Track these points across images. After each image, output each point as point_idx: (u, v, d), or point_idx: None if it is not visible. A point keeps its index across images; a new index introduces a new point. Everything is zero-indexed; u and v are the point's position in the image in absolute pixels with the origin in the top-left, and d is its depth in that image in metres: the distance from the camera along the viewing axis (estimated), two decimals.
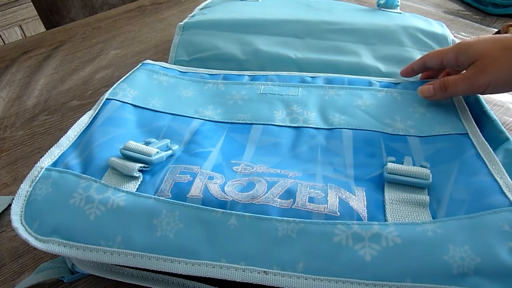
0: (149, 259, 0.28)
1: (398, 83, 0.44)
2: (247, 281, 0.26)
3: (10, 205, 0.41)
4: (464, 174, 0.32)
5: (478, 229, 0.26)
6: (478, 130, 0.37)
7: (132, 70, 0.45)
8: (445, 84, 0.39)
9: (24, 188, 0.32)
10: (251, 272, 0.26)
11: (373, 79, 0.45)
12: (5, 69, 0.63)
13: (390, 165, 0.32)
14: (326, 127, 0.39)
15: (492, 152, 0.33)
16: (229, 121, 0.40)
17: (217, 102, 0.42)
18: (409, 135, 0.38)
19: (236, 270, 0.27)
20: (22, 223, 0.30)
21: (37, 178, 0.32)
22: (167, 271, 0.27)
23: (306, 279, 0.26)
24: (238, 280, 0.26)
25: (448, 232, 0.26)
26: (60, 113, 0.53)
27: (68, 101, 0.55)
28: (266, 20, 0.54)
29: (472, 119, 0.38)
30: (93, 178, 0.31)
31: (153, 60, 0.47)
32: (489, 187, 0.30)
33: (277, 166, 0.35)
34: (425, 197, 0.30)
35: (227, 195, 0.30)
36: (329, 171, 0.34)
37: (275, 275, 0.26)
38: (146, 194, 0.30)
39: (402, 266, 0.25)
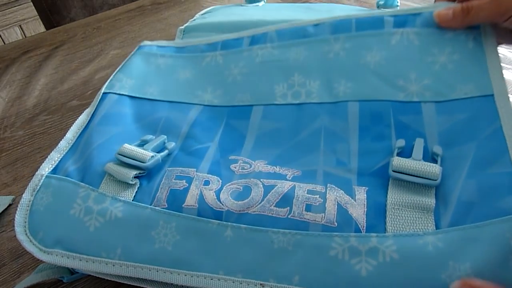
0: (149, 270, 0.28)
1: (418, 14, 0.36)
2: None
3: (10, 205, 0.41)
4: (480, 161, 0.29)
5: (482, 242, 0.25)
6: (507, 90, 0.31)
7: (129, 56, 0.44)
8: (468, 6, 0.32)
9: (26, 197, 0.32)
10: (248, 284, 0.27)
11: (386, 14, 0.37)
12: (5, 69, 0.63)
13: (396, 162, 0.29)
14: (330, 101, 0.35)
15: None
16: (229, 104, 0.38)
17: (215, 81, 0.40)
18: (424, 101, 0.33)
19: (233, 282, 0.27)
20: (26, 234, 0.31)
21: (38, 187, 0.33)
22: (167, 281, 0.28)
23: None
24: None
25: (449, 247, 0.25)
26: (60, 113, 0.53)
27: (68, 101, 0.55)
28: (265, 21, 0.54)
29: (503, 74, 0.32)
30: (90, 187, 0.32)
31: None
32: (504, 183, 0.27)
33: (277, 160, 0.34)
34: (431, 201, 0.28)
35: (223, 205, 0.29)
36: (331, 164, 0.33)
37: None
38: (142, 204, 0.30)
39: (398, 283, 0.25)
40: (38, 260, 0.35)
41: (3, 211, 0.40)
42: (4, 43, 1.41)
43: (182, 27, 0.56)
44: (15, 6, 1.50)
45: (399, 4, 0.59)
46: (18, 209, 0.32)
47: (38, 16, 0.96)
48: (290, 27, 0.40)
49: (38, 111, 0.54)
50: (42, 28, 1.18)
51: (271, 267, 0.27)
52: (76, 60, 0.65)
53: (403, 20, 0.36)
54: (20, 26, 1.54)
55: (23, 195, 0.32)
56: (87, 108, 0.40)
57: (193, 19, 0.60)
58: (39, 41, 0.71)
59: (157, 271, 0.28)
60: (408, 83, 0.34)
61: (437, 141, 0.31)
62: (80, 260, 0.29)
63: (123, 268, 0.29)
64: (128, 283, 0.31)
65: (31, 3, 0.93)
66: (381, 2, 0.59)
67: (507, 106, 0.30)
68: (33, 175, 0.44)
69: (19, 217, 0.32)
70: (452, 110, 0.32)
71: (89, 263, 0.29)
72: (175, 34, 0.71)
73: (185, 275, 0.28)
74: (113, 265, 0.29)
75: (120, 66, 0.43)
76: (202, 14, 0.62)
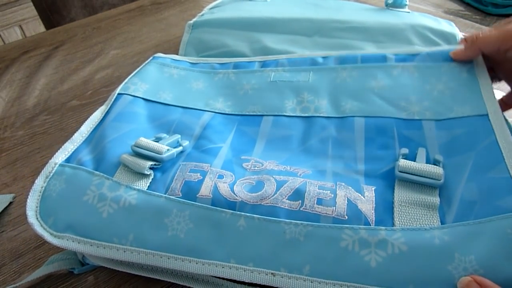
0: (161, 257, 0.29)
1: (416, 54, 0.41)
2: (255, 282, 0.27)
3: (11, 203, 0.41)
4: (478, 168, 0.31)
5: (485, 236, 0.26)
6: (500, 109, 0.34)
7: (144, 64, 0.45)
8: (476, 35, 0.36)
9: (39, 183, 0.33)
10: (259, 273, 0.27)
11: (388, 53, 0.42)
12: (5, 69, 0.63)
13: (401, 163, 0.31)
14: (337, 116, 0.38)
15: (511, 137, 0.31)
16: (240, 113, 0.40)
17: (227, 93, 0.42)
18: (425, 119, 0.36)
19: (244, 271, 0.27)
20: (37, 218, 0.31)
21: (51, 174, 0.33)
22: (178, 269, 0.28)
23: (312, 282, 0.27)
24: (246, 281, 0.27)
25: (455, 240, 0.26)
26: (60, 113, 0.53)
27: (68, 101, 0.55)
28: (274, 18, 0.54)
29: (495, 96, 0.35)
30: (105, 175, 0.32)
31: None
32: (502, 186, 0.28)
33: (287, 161, 0.35)
34: (435, 199, 0.29)
35: (236, 196, 0.30)
36: (340, 167, 0.34)
37: (282, 277, 0.27)
38: (157, 193, 0.31)
39: (406, 274, 0.26)
40: (39, 260, 0.35)
41: (3, 212, 0.40)
42: (4, 43, 1.41)
43: (191, 22, 0.57)
44: (15, 6, 1.50)
45: (407, 3, 0.59)
46: (30, 194, 0.32)
47: (38, 16, 0.96)
48: (300, 57, 0.44)
49: (38, 111, 0.54)
50: (42, 28, 1.18)
51: (282, 257, 0.28)
52: (76, 60, 0.65)
53: (403, 58, 0.41)
54: (20, 26, 1.54)
55: (36, 181, 0.32)
56: (87, 108, 0.40)
57: (201, 13, 0.60)
58: (39, 41, 0.71)
59: (169, 258, 0.28)
60: (409, 105, 0.37)
61: (438, 152, 0.33)
62: (91, 245, 0.29)
63: (134, 255, 0.29)
64: (139, 274, 0.31)
65: (31, 3, 0.93)
66: (390, 1, 0.59)
67: (501, 123, 0.33)
68: (33, 175, 0.44)
69: (31, 202, 0.32)
70: (451, 126, 0.34)
71: (100, 248, 0.29)
72: (175, 34, 0.71)
73: (197, 263, 0.28)
74: (124, 251, 0.29)
75: (135, 72, 0.44)
76: (210, 9, 0.62)
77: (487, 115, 0.34)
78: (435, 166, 0.31)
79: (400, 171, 0.31)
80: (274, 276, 0.27)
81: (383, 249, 0.27)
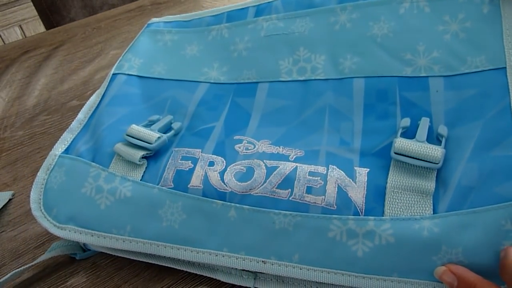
0: (157, 246, 0.30)
1: None
2: (247, 269, 0.29)
3: (10, 199, 0.41)
4: (483, 143, 0.28)
5: (477, 228, 0.26)
6: None
7: (138, 34, 0.45)
8: None
9: (41, 176, 0.34)
10: (250, 261, 0.29)
11: None
12: (5, 69, 0.63)
13: (397, 143, 0.29)
14: (336, 77, 0.35)
15: None
16: (235, 81, 0.39)
17: (222, 56, 0.40)
18: (432, 76, 0.31)
19: (236, 259, 0.29)
20: (41, 210, 0.33)
21: (52, 166, 0.34)
22: (174, 257, 0.30)
23: (300, 269, 0.28)
24: (238, 268, 0.29)
25: (444, 232, 0.26)
26: (60, 113, 0.53)
27: (68, 101, 0.55)
28: None
29: None
30: (101, 166, 0.33)
31: None
32: (505, 168, 0.26)
33: (281, 139, 0.34)
34: (431, 184, 0.28)
35: (226, 186, 0.31)
36: (335, 144, 0.32)
37: (272, 265, 0.28)
38: (150, 184, 0.32)
39: (391, 262, 0.26)
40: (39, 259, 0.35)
41: (3, 212, 0.40)
42: (4, 43, 1.41)
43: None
44: (15, 6, 1.50)
45: None
46: (33, 187, 0.34)
47: (38, 16, 0.96)
48: None
49: (38, 111, 0.54)
50: (42, 28, 1.18)
51: (272, 245, 0.28)
52: (76, 60, 0.65)
53: None
54: (20, 26, 1.54)
55: (38, 174, 0.34)
56: None
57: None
58: (39, 41, 0.71)
59: (165, 247, 0.30)
60: (416, 57, 0.32)
61: (443, 120, 0.30)
62: (92, 236, 0.31)
63: (132, 244, 0.31)
64: (139, 259, 0.33)
65: (31, 3, 0.93)
66: None
67: None
68: (33, 175, 0.44)
69: (34, 194, 0.33)
70: (461, 85, 0.30)
71: (100, 238, 0.31)
72: None
73: (191, 251, 0.30)
74: (123, 241, 0.31)
75: (129, 46, 0.43)
76: None
77: (505, 68, 0.29)
78: (434, 147, 0.28)
79: (395, 153, 0.29)
80: (264, 263, 0.28)
81: (370, 240, 0.27)
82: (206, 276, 0.32)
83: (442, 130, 0.30)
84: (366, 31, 0.35)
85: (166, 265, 0.32)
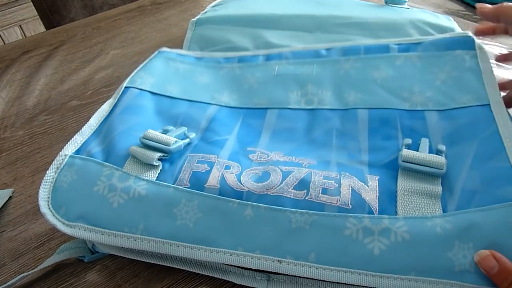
0: (170, 245, 0.30)
1: (419, 43, 0.41)
2: (262, 269, 0.28)
3: (10, 197, 0.41)
4: (480, 157, 0.31)
5: (487, 224, 0.27)
6: (502, 99, 0.34)
7: (149, 58, 0.45)
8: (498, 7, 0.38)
9: (50, 174, 0.34)
10: (266, 260, 0.28)
11: (391, 42, 0.42)
12: (5, 69, 0.63)
13: (405, 152, 0.31)
14: (341, 108, 0.38)
15: None
16: (245, 106, 0.40)
17: (232, 87, 0.42)
18: (427, 110, 0.36)
19: (252, 258, 0.29)
20: (49, 208, 0.32)
21: (61, 165, 0.34)
22: (188, 257, 0.29)
23: (317, 269, 0.28)
24: (253, 268, 0.28)
25: (456, 228, 0.27)
26: (60, 113, 0.53)
27: (68, 101, 0.55)
28: (277, 15, 0.56)
29: (497, 86, 0.36)
30: (115, 166, 0.33)
31: None
32: (503, 175, 0.29)
33: (292, 152, 0.35)
34: (438, 188, 0.30)
35: (243, 186, 0.31)
36: (344, 157, 0.34)
37: (288, 264, 0.28)
38: (165, 183, 0.32)
39: (408, 261, 0.27)
40: (39, 260, 0.35)
41: (3, 212, 0.40)
42: (4, 43, 1.41)
43: (194, 19, 0.57)
44: (15, 6, 1.50)
45: (407, 0, 0.60)
46: (41, 185, 0.33)
47: (38, 16, 0.96)
48: (304, 50, 0.44)
49: (38, 111, 0.54)
50: (42, 28, 1.18)
51: (288, 244, 0.28)
52: (76, 60, 0.65)
53: (406, 47, 0.41)
54: (20, 26, 1.54)
55: (47, 172, 0.33)
56: (87, 108, 0.40)
57: (204, 11, 0.61)
58: (39, 41, 0.71)
59: (178, 246, 0.29)
60: (412, 95, 0.37)
61: (441, 142, 0.34)
62: (103, 234, 0.30)
63: (144, 243, 0.30)
64: (148, 261, 0.32)
65: (31, 3, 0.93)
66: None
67: (502, 113, 0.33)
68: (33, 175, 0.44)
69: (43, 192, 0.33)
70: (454, 116, 0.35)
71: (111, 237, 0.30)
72: (175, 34, 0.71)
73: (205, 251, 0.29)
74: (135, 240, 0.30)
75: (141, 66, 0.44)
76: (213, 7, 0.64)
77: (489, 104, 0.34)
78: (438, 155, 0.31)
79: (403, 161, 0.31)
80: (280, 263, 0.28)
81: (386, 237, 0.27)
82: (206, 276, 0.32)
83: (441, 147, 0.33)
84: (368, 76, 0.40)
85: (180, 267, 0.32)
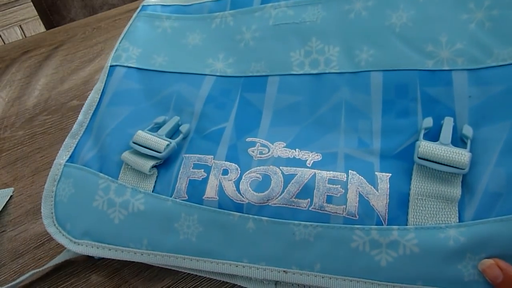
0: (176, 258, 0.30)
1: None
2: (268, 279, 0.29)
3: (11, 195, 0.41)
4: (511, 147, 0.26)
5: (503, 237, 0.25)
6: None
7: (132, 20, 0.42)
8: None
9: (49, 188, 0.33)
10: (271, 271, 0.28)
11: None
12: (5, 69, 0.63)
13: (422, 147, 0.27)
14: (351, 71, 0.32)
15: None
16: (243, 74, 0.36)
17: (227, 46, 0.37)
18: (456, 69, 0.29)
19: (257, 269, 0.28)
20: (55, 226, 0.32)
21: (58, 177, 0.34)
22: (194, 268, 0.30)
23: (323, 278, 0.27)
24: (260, 278, 0.29)
25: (470, 241, 0.25)
26: (60, 113, 0.53)
27: (68, 101, 0.55)
28: None
29: None
30: (110, 178, 0.32)
31: None
32: None
33: (296, 141, 0.32)
34: (456, 191, 0.26)
35: (243, 197, 0.30)
36: (353, 146, 0.30)
37: (294, 274, 0.28)
38: (163, 196, 0.31)
39: (416, 272, 0.26)
40: (39, 260, 0.35)
41: (3, 212, 0.40)
42: (4, 43, 1.41)
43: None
44: (15, 6, 1.50)
45: None
46: (42, 201, 0.33)
47: (38, 16, 0.96)
48: None
49: (38, 111, 0.54)
50: (42, 28, 1.18)
51: (293, 256, 0.28)
52: (76, 60, 0.65)
53: None
54: (20, 26, 1.54)
55: (45, 186, 0.33)
56: None
57: None
58: (39, 41, 0.70)
59: (184, 259, 0.30)
60: (438, 48, 0.30)
61: (468, 118, 0.28)
62: (110, 250, 0.31)
63: (151, 257, 0.30)
64: (157, 265, 0.32)
65: (31, 3, 0.93)
66: None
67: None
68: (33, 175, 0.44)
69: (45, 210, 0.33)
70: (487, 80, 0.28)
71: (118, 252, 0.31)
72: None
73: (211, 262, 0.29)
74: (141, 255, 0.31)
75: (124, 32, 0.41)
76: None
77: None
78: (460, 151, 0.26)
79: (419, 157, 0.27)
80: (286, 273, 0.28)
81: (394, 249, 0.26)
82: (207, 277, 0.32)
83: (467, 131, 0.27)
84: (384, 21, 0.32)
85: (186, 271, 0.32)
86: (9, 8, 1.49)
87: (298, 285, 0.30)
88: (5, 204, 0.41)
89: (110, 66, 0.39)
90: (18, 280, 0.32)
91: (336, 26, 0.34)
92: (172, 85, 0.37)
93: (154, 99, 0.37)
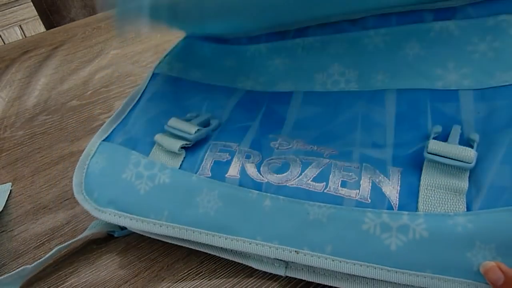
0: (193, 232, 0.31)
1: (457, 8, 0.35)
2: (279, 258, 0.29)
3: (11, 196, 0.41)
4: None
5: (510, 225, 0.26)
6: None
7: (177, 42, 0.46)
8: None
9: (83, 161, 0.36)
10: (283, 250, 0.29)
11: (425, 8, 0.36)
12: (5, 69, 0.63)
13: (431, 144, 0.29)
14: (368, 89, 0.36)
15: None
16: (270, 90, 0.40)
17: (258, 69, 0.42)
18: (462, 89, 0.33)
19: (270, 248, 0.29)
20: (83, 193, 0.35)
21: (93, 152, 0.36)
22: (208, 243, 0.31)
23: (333, 261, 0.28)
24: (271, 257, 0.29)
25: (478, 228, 0.26)
26: (60, 113, 0.53)
27: (68, 101, 0.55)
28: None
29: None
30: (141, 154, 0.35)
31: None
32: None
33: (315, 140, 0.35)
34: (464, 184, 0.28)
35: (263, 176, 0.32)
36: (367, 146, 0.33)
37: (305, 255, 0.29)
38: (188, 172, 0.33)
39: (425, 258, 0.26)
40: (38, 259, 0.35)
41: (3, 212, 0.40)
42: (4, 43, 1.41)
43: None
44: (15, 6, 1.50)
45: None
46: (75, 171, 0.35)
47: (38, 16, 0.96)
48: (331, 24, 0.40)
49: (38, 111, 0.54)
50: (42, 28, 1.18)
51: (306, 236, 0.29)
52: (76, 60, 0.65)
53: (443, 14, 0.36)
54: (20, 26, 1.54)
55: (80, 159, 0.36)
56: (87, 108, 0.40)
57: None
58: (39, 41, 0.71)
59: (200, 233, 0.31)
60: (446, 72, 0.34)
61: (474, 127, 0.31)
62: (131, 219, 0.33)
63: (169, 229, 0.32)
64: (173, 243, 0.34)
65: (31, 3, 0.93)
66: None
67: None
68: (33, 175, 0.44)
69: (76, 179, 0.35)
70: (491, 96, 0.32)
71: (138, 222, 0.32)
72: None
73: (225, 238, 0.31)
74: (160, 226, 0.32)
75: (169, 51, 0.45)
76: None
77: None
78: (467, 148, 0.29)
79: (429, 152, 0.29)
80: (297, 253, 0.29)
81: (404, 234, 0.27)
82: (206, 276, 0.33)
83: (474, 136, 0.30)
84: (399, 52, 0.36)
85: (202, 250, 0.33)
86: (9, 8, 1.49)
87: (308, 270, 0.31)
88: (5, 204, 0.41)
89: (153, 73, 0.43)
90: (45, 257, 0.33)
91: (356, 55, 0.38)
92: (206, 92, 0.41)
93: (189, 101, 0.41)
